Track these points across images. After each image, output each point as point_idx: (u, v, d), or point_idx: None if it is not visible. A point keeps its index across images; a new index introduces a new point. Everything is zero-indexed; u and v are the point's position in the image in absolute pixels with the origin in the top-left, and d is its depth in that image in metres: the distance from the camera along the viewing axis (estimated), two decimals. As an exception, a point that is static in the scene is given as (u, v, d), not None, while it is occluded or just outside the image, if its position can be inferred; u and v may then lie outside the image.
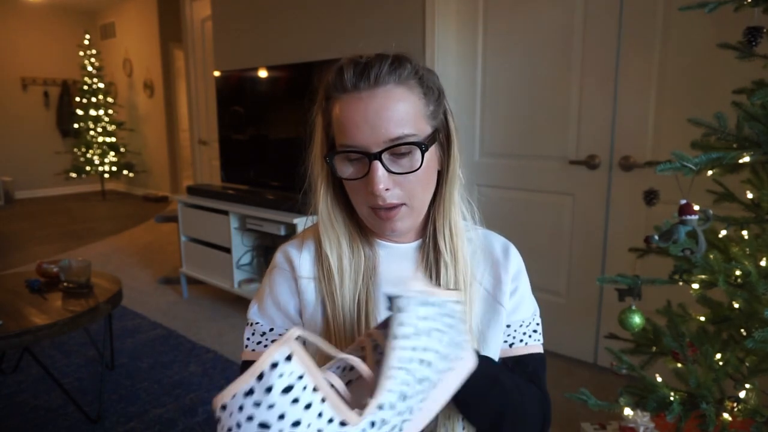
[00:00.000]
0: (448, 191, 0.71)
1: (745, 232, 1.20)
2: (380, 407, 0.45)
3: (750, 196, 1.23)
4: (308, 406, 0.40)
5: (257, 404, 0.39)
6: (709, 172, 1.17)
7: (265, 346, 0.71)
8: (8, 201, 6.79)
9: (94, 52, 6.92)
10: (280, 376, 0.39)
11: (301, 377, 0.40)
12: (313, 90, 0.73)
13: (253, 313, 0.74)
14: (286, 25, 3.14)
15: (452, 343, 0.54)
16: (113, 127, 7.15)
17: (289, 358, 0.40)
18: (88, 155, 7.06)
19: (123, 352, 2.54)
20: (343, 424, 0.42)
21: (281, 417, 0.39)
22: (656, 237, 1.11)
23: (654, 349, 1.31)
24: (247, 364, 0.71)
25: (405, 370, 0.48)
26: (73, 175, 7.07)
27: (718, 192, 1.29)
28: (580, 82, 2.17)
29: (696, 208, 1.07)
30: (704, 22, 1.78)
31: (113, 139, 7.16)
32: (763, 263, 1.13)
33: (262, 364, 0.39)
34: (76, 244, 4.71)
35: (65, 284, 2.10)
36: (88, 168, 7.09)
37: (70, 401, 2.01)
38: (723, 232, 1.24)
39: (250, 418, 0.39)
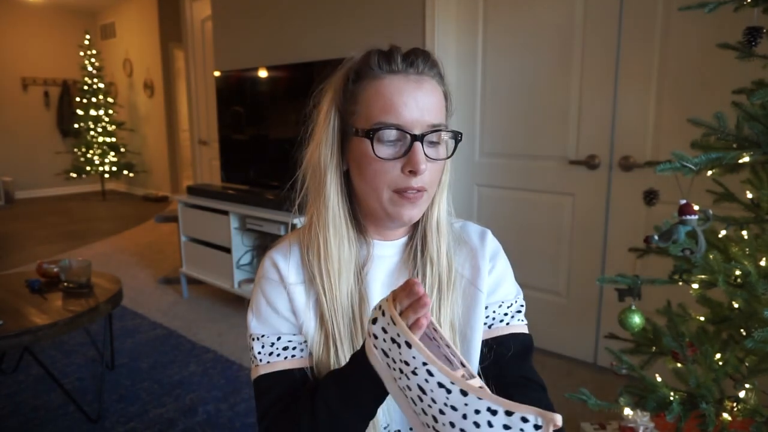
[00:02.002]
0: (440, 190, 0.74)
1: (744, 232, 1.20)
2: None
3: (750, 196, 1.23)
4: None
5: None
6: (709, 172, 1.17)
7: (278, 355, 0.70)
8: (8, 201, 6.79)
9: (94, 52, 6.92)
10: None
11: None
12: (323, 79, 0.73)
13: (254, 326, 0.73)
14: (286, 25, 3.14)
15: None
16: (113, 127, 7.15)
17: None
18: (89, 155, 7.06)
19: (123, 352, 2.54)
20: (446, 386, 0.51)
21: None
22: (656, 237, 1.11)
23: (654, 349, 1.31)
24: (264, 378, 0.70)
25: None
26: (73, 175, 7.08)
27: (718, 192, 1.29)
28: (580, 82, 2.17)
29: (696, 208, 1.07)
30: (704, 22, 1.78)
31: (113, 139, 7.16)
32: (762, 263, 1.13)
33: None
34: (76, 244, 4.71)
35: (65, 284, 2.10)
36: (88, 168, 7.09)
37: (70, 401, 2.01)
38: (723, 232, 1.24)
39: None
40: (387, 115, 0.64)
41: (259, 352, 0.72)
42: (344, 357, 0.69)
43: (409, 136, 0.64)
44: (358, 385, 0.60)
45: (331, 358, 0.69)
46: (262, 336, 0.72)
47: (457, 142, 0.69)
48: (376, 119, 0.65)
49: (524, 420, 0.47)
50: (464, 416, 0.50)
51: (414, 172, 0.64)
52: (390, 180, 0.66)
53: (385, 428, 0.73)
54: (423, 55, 0.68)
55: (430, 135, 0.66)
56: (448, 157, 0.69)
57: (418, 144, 0.64)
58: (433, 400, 0.51)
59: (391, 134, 0.65)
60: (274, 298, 0.73)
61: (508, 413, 0.48)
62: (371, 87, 0.66)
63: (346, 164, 0.71)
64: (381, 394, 0.59)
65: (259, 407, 0.70)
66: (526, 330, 0.77)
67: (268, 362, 0.71)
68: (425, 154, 0.65)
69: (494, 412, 0.48)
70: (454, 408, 0.50)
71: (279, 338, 0.72)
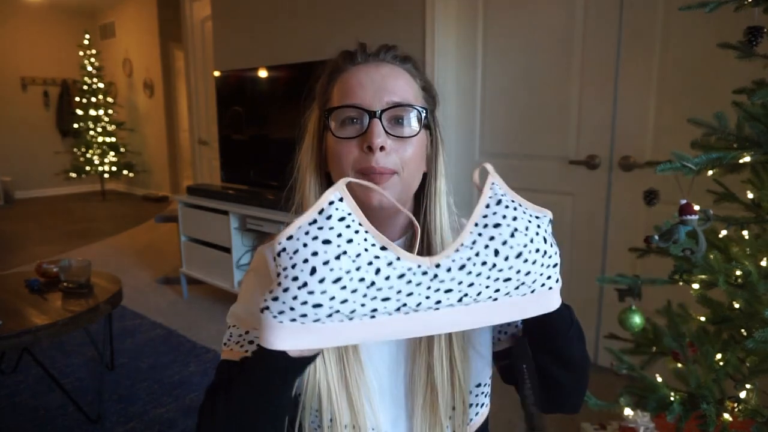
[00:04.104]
0: (434, 178, 0.71)
1: (745, 232, 1.20)
2: (437, 265, 0.52)
3: (750, 196, 1.23)
4: (357, 231, 0.51)
5: (320, 228, 0.50)
6: (709, 172, 1.17)
7: (241, 346, 0.71)
8: (8, 201, 6.79)
9: (93, 52, 6.92)
10: (336, 209, 0.51)
11: (350, 214, 0.51)
12: (309, 88, 0.74)
13: (230, 314, 0.74)
14: (286, 25, 3.14)
15: (540, 263, 0.54)
16: (113, 127, 7.15)
17: (341, 199, 0.51)
18: (88, 155, 7.06)
19: (123, 352, 2.53)
20: (383, 248, 0.51)
21: (339, 235, 0.50)
22: (656, 237, 1.11)
23: (654, 349, 1.31)
24: (226, 363, 0.71)
25: (476, 244, 0.52)
26: (73, 175, 7.07)
27: (718, 192, 1.29)
28: (580, 82, 2.17)
29: (696, 208, 1.07)
30: (704, 22, 1.78)
31: (113, 139, 7.16)
32: (763, 263, 1.13)
33: (322, 203, 0.51)
34: (76, 244, 4.71)
35: (65, 284, 2.10)
36: (88, 168, 7.09)
37: (70, 401, 2.01)
38: (723, 232, 1.24)
39: (315, 238, 0.50)
40: (345, 98, 0.66)
41: (229, 339, 0.73)
42: (331, 363, 0.67)
43: (365, 113, 0.64)
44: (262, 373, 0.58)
45: (318, 368, 0.67)
46: (233, 326, 0.73)
47: (422, 118, 0.67)
48: (336, 104, 0.67)
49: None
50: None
51: (371, 148, 0.63)
52: (352, 160, 0.65)
53: (372, 430, 0.71)
54: (387, 47, 0.69)
55: (390, 111, 0.64)
56: (412, 136, 0.66)
57: (374, 120, 0.63)
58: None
59: (349, 113, 0.65)
60: (253, 294, 0.73)
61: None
62: (338, 81, 0.69)
63: (327, 165, 0.71)
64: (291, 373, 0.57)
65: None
66: None
67: (231, 349, 0.71)
68: (387, 131, 0.64)
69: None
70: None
71: (247, 332, 0.72)
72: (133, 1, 6.80)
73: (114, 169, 7.23)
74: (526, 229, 0.54)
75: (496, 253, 0.52)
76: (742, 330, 1.17)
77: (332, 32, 2.88)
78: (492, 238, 0.52)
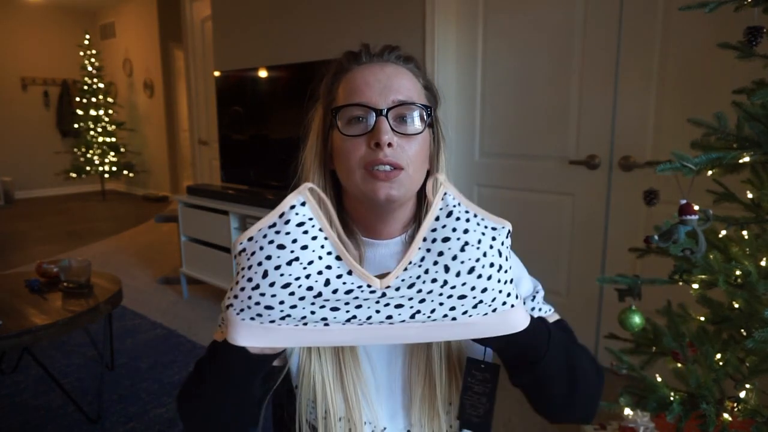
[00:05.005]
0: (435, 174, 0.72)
1: (745, 232, 1.20)
2: (393, 287, 0.52)
3: (750, 196, 1.23)
4: (314, 238, 0.51)
5: (277, 232, 0.51)
6: (709, 172, 1.17)
7: None
8: (8, 201, 6.79)
9: (94, 52, 6.92)
10: (296, 214, 0.51)
11: (311, 219, 0.52)
12: (313, 88, 0.75)
13: (224, 302, 0.75)
14: (286, 25, 3.14)
15: (497, 279, 0.52)
16: (113, 127, 7.15)
17: (303, 204, 0.52)
18: (88, 155, 7.06)
19: (123, 352, 2.53)
20: (338, 258, 0.52)
21: (294, 241, 0.50)
22: (656, 237, 1.11)
23: (654, 349, 1.30)
24: (215, 343, 0.71)
25: (423, 262, 0.52)
26: (73, 175, 7.07)
27: (718, 192, 1.29)
28: (580, 82, 2.17)
29: (696, 208, 1.07)
30: (704, 22, 1.78)
31: (113, 139, 7.16)
32: (763, 263, 1.13)
33: (283, 206, 0.52)
34: (76, 244, 4.71)
35: (65, 284, 2.10)
36: (88, 168, 7.09)
37: (70, 401, 2.01)
38: (723, 232, 1.24)
39: (271, 242, 0.51)
40: (352, 97, 0.67)
41: (222, 322, 0.72)
42: (326, 357, 0.68)
43: (372, 112, 0.65)
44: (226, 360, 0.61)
45: (313, 362, 0.68)
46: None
47: (427, 115, 0.68)
48: (342, 103, 0.68)
49: None
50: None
51: (379, 145, 0.64)
52: (360, 157, 0.65)
53: (368, 424, 0.71)
54: (391, 48, 0.71)
55: (396, 109, 0.65)
56: (417, 133, 0.67)
57: (381, 118, 0.64)
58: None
59: (355, 111, 0.66)
60: None
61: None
62: (343, 81, 0.70)
63: (332, 163, 0.72)
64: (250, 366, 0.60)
65: None
66: (557, 316, 0.74)
67: (222, 332, 0.71)
68: (393, 129, 0.65)
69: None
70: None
71: None
72: (133, 1, 6.80)
73: (114, 169, 7.23)
74: (479, 242, 0.51)
75: (447, 269, 0.51)
76: (742, 330, 1.17)
77: (332, 32, 2.88)
78: (441, 254, 0.51)
